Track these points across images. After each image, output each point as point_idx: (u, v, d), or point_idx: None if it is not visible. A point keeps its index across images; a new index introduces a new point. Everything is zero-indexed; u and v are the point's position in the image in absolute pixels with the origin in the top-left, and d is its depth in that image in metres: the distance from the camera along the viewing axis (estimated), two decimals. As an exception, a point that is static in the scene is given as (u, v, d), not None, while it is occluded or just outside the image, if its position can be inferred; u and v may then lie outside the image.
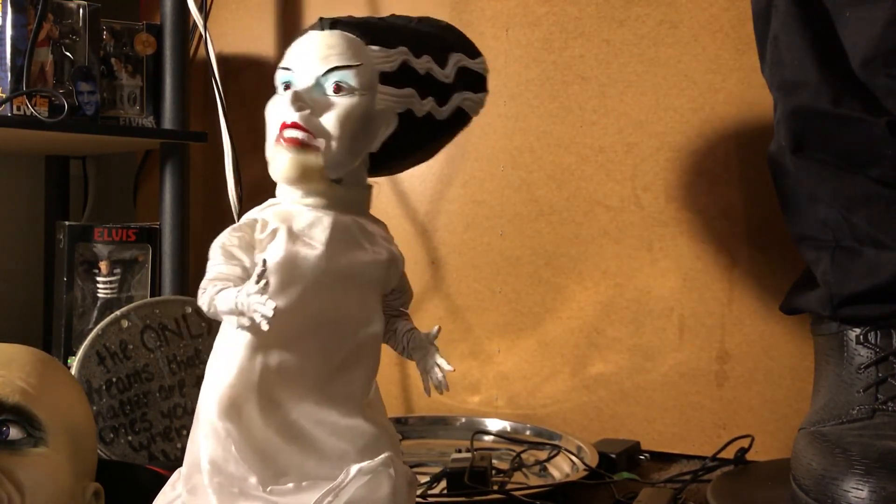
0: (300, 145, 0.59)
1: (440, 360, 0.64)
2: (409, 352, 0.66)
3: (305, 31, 0.63)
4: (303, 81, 0.61)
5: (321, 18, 0.64)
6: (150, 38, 1.23)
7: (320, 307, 0.60)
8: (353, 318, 0.61)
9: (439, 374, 0.64)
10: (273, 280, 0.57)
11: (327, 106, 0.60)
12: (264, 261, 0.55)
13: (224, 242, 0.59)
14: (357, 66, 0.61)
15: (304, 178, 0.60)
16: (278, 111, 0.60)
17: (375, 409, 0.63)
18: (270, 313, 0.53)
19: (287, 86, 0.61)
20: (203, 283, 0.58)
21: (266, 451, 0.57)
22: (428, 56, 0.64)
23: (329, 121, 0.60)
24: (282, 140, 0.59)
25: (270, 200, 0.62)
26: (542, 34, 1.18)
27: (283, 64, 0.62)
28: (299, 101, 0.59)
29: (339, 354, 0.61)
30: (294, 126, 0.59)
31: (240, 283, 0.57)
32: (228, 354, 0.58)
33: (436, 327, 0.66)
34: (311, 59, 0.61)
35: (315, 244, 0.59)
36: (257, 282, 0.54)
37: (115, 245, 1.15)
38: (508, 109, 1.20)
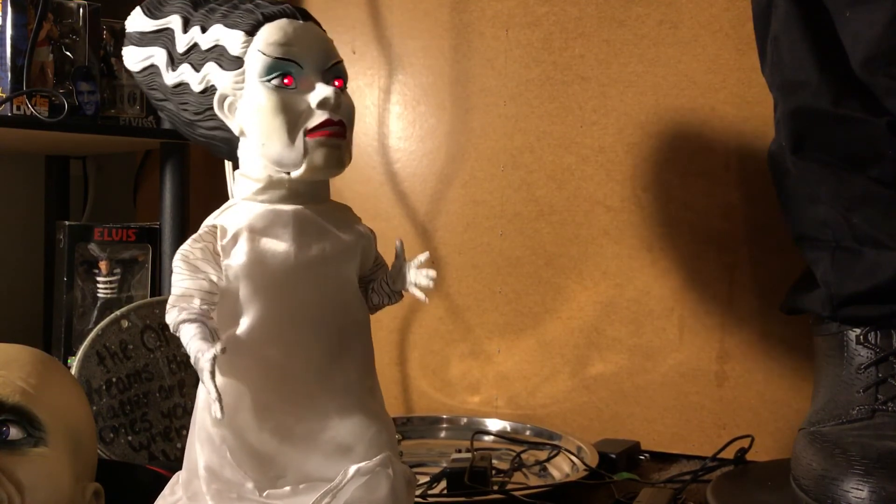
0: (342, 137, 0.60)
1: (416, 265, 0.63)
2: (392, 286, 0.64)
3: (273, 15, 0.60)
4: (306, 74, 0.59)
5: (298, 8, 0.62)
6: (150, 38, 1.22)
7: (300, 302, 0.59)
8: (334, 307, 0.61)
9: (422, 280, 0.62)
10: (245, 286, 0.57)
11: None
12: (223, 349, 0.54)
13: (187, 255, 0.57)
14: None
15: (342, 169, 0.61)
16: (311, 103, 0.59)
17: (377, 400, 0.63)
18: (218, 414, 0.53)
19: (286, 76, 0.59)
20: (171, 300, 0.57)
21: (262, 454, 0.57)
22: None
23: (347, 115, 0.60)
24: (326, 133, 0.59)
25: (228, 202, 0.61)
26: (542, 34, 1.18)
27: (279, 54, 0.59)
28: (340, 97, 0.59)
29: (327, 346, 0.60)
30: (339, 124, 0.59)
31: (207, 297, 0.57)
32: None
33: (398, 242, 0.64)
34: (317, 51, 0.60)
35: (280, 240, 0.58)
36: (212, 366, 0.53)
37: (115, 245, 1.15)
38: (508, 109, 1.20)
